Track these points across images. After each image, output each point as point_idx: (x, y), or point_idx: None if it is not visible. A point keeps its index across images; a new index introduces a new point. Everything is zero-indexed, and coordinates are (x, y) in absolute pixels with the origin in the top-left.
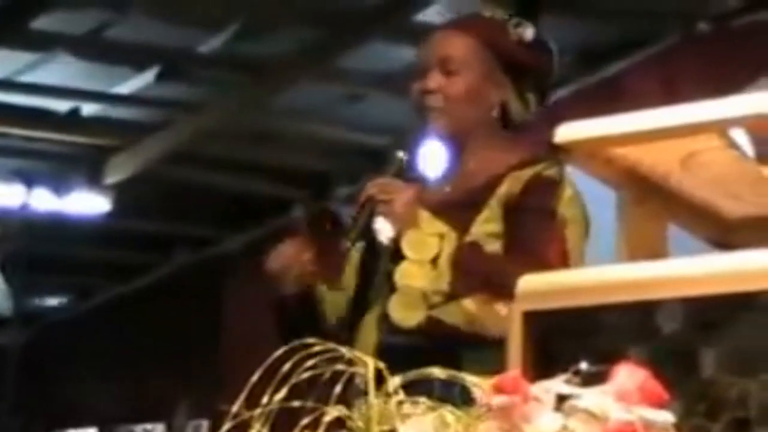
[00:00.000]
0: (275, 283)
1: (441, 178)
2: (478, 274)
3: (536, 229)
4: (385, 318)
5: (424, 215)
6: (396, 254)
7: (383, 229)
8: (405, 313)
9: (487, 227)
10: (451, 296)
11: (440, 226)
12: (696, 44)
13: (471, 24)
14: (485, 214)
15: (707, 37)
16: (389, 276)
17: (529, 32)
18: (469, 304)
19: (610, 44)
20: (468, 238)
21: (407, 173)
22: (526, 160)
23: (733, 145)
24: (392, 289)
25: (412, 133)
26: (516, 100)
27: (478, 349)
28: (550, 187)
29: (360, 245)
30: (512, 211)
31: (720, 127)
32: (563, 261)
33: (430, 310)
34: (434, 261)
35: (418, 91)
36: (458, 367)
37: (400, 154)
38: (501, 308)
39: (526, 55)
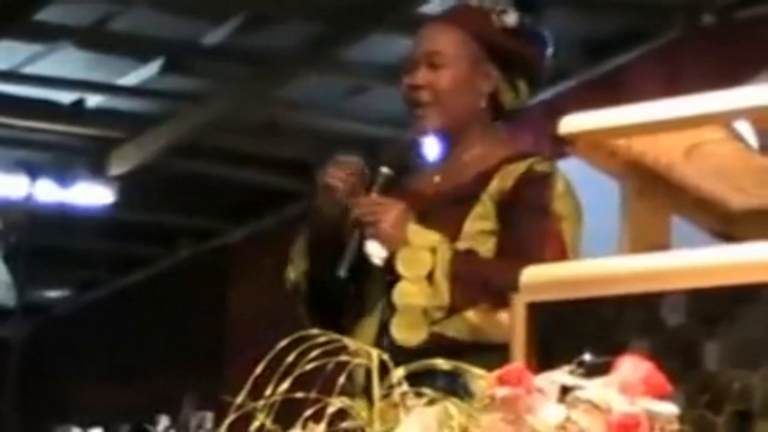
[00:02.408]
0: (323, 197)
1: (431, 168)
2: (477, 284)
3: (532, 228)
4: (385, 337)
5: (413, 228)
6: (391, 274)
7: (374, 252)
8: (408, 333)
9: (479, 225)
10: (452, 309)
11: (431, 238)
12: (700, 37)
13: (456, 16)
14: (477, 210)
15: (711, 29)
16: (387, 296)
17: (511, 19)
18: (471, 315)
19: (613, 37)
20: (461, 240)
21: (393, 187)
22: (516, 154)
23: (737, 136)
24: (392, 309)
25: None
26: (507, 89)
27: (481, 356)
28: (543, 182)
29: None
30: (506, 209)
31: (724, 119)
32: (562, 258)
33: (432, 327)
34: (430, 276)
35: (406, 86)
36: (461, 375)
37: (384, 169)
38: (503, 316)
39: (511, 43)
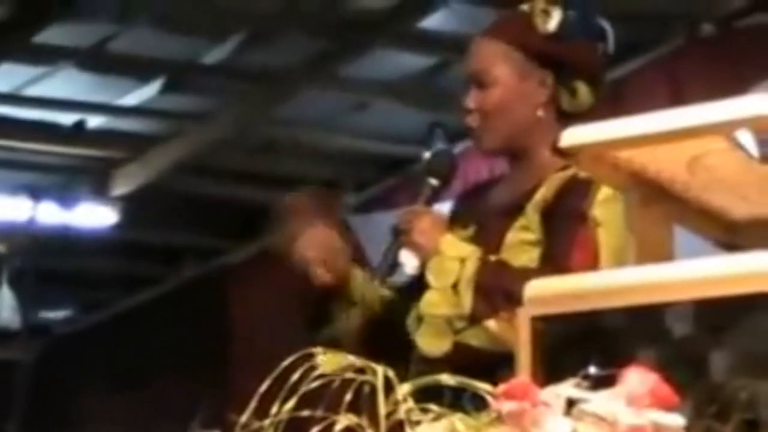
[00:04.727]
0: (304, 271)
1: (504, 181)
2: (500, 293)
3: (566, 235)
4: (414, 348)
5: (447, 239)
6: (424, 284)
7: (407, 261)
8: (433, 343)
9: (521, 235)
10: (473, 319)
11: (463, 249)
12: (700, 46)
13: (497, 29)
14: (520, 221)
15: (712, 39)
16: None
17: (551, 24)
18: (491, 324)
19: (613, 48)
20: (502, 251)
21: (438, 199)
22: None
23: (739, 146)
24: (420, 319)
25: (420, 141)
26: (564, 93)
27: (509, 366)
28: (582, 188)
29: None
30: (545, 218)
31: (725, 129)
32: (592, 266)
33: (456, 336)
34: (455, 286)
35: (463, 111)
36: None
37: (432, 180)
38: None
39: (555, 47)
